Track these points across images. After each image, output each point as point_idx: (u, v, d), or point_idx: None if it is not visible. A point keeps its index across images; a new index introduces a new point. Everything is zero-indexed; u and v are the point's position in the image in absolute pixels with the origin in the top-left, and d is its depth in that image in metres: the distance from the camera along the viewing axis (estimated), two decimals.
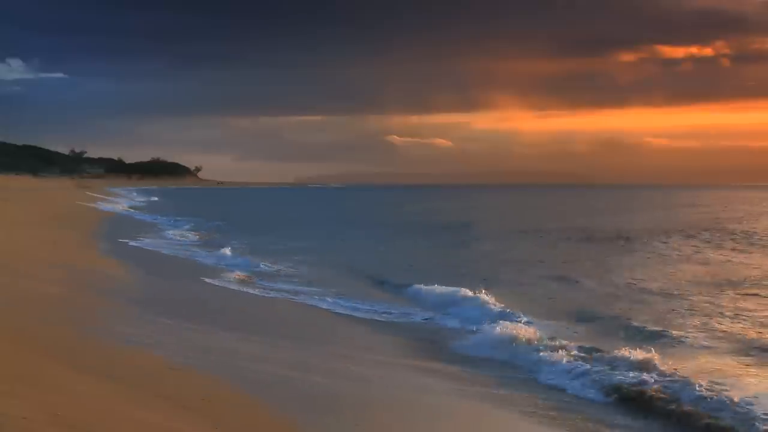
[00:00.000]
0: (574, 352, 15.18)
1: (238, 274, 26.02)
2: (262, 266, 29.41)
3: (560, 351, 15.22)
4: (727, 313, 20.16)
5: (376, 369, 13.81)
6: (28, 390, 7.76)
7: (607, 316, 20.18)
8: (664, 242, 43.58)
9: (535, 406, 12.24)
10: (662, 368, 13.79)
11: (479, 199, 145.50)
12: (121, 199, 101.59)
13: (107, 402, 8.29)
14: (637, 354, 14.43)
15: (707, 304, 21.67)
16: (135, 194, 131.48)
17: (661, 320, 19.35)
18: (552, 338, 16.42)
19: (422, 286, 24.05)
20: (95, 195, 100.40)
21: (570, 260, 34.34)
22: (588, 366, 14.23)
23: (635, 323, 18.81)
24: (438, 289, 23.32)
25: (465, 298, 21.80)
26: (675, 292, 24.13)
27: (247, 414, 9.59)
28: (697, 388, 12.38)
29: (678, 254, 36.91)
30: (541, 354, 15.26)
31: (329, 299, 22.13)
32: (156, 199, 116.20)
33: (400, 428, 10.41)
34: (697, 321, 19.28)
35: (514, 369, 14.91)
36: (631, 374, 13.54)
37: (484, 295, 21.38)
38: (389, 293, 24.65)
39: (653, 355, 14.37)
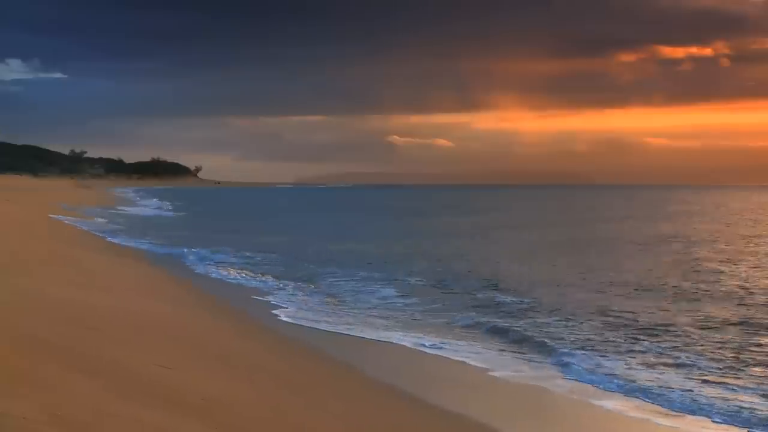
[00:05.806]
0: None
1: None
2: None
3: None
4: None
5: None
6: (28, 390, 7.75)
7: None
8: None
9: None
10: None
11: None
12: (129, 207, 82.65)
13: (107, 402, 8.29)
14: None
15: None
16: (140, 197, 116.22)
17: None
18: None
19: None
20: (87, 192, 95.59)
21: None
22: None
23: None
24: None
25: None
26: None
27: (247, 414, 9.58)
28: None
29: None
30: None
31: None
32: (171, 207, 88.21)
33: None
34: None
35: None
36: None
37: None
38: None
39: None
